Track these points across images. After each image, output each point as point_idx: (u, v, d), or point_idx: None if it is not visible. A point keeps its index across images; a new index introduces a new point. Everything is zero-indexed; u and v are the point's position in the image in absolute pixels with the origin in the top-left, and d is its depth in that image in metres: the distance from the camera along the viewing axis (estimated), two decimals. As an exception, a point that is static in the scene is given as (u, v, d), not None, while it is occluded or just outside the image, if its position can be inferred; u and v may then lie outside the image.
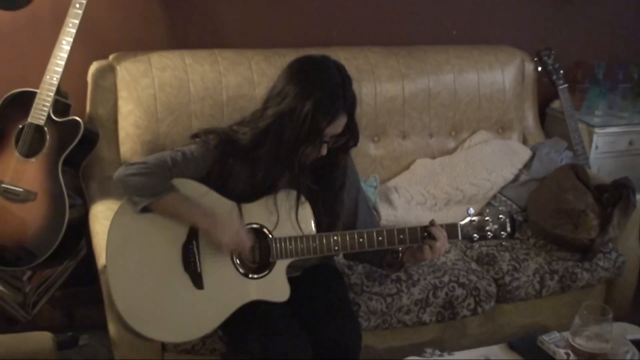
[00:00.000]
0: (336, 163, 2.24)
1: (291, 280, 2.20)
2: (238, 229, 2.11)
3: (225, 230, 2.09)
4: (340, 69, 2.12)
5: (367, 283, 2.53)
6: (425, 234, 2.17)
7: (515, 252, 2.83)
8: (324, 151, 2.13)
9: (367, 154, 3.12)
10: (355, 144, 2.21)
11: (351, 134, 2.17)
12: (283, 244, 2.14)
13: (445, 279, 2.60)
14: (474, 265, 2.73)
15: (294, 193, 2.18)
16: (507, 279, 2.70)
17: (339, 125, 2.10)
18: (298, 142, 2.08)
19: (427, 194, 3.04)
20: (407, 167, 3.19)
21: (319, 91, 2.04)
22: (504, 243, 2.82)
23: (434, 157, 3.21)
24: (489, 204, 3.09)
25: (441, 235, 2.16)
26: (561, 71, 3.33)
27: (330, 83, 2.07)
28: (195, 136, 2.22)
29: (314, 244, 2.15)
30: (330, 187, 2.26)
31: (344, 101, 2.08)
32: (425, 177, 3.09)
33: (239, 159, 2.17)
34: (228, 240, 2.09)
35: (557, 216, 2.84)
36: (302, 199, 2.19)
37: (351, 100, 2.11)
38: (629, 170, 3.57)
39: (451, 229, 2.21)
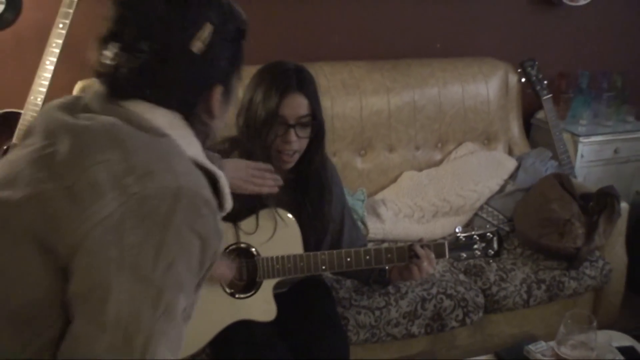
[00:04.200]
0: (311, 158, 2.22)
1: (279, 296, 2.20)
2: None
3: None
4: (294, 64, 2.17)
5: (355, 297, 2.53)
6: (413, 253, 2.17)
7: (503, 262, 2.84)
8: (292, 137, 2.09)
9: (354, 167, 3.14)
10: (323, 133, 2.20)
11: (316, 118, 2.15)
12: (270, 264, 2.13)
13: (434, 290, 2.61)
14: (461, 277, 2.74)
15: (280, 211, 2.17)
16: (495, 289, 2.71)
17: (294, 103, 2.09)
18: (262, 130, 2.09)
19: (414, 206, 3.05)
20: (394, 180, 3.21)
21: (267, 76, 2.10)
22: (491, 261, 2.83)
23: (420, 170, 3.24)
24: (475, 215, 3.10)
25: (426, 255, 2.16)
26: (545, 82, 3.35)
27: (278, 69, 2.12)
28: None
29: (301, 263, 2.14)
30: (314, 195, 2.25)
31: (293, 80, 2.10)
32: (413, 189, 3.11)
33: None
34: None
35: (542, 225, 2.86)
36: (289, 216, 2.18)
37: (301, 79, 2.12)
38: (615, 178, 3.60)
39: (439, 248, 2.21)
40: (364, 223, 2.93)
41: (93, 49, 1.27)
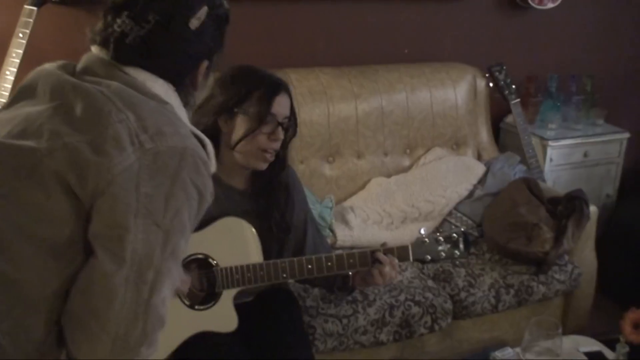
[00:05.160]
0: (283, 159, 2.25)
1: (243, 305, 2.18)
2: None
3: None
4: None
5: (322, 305, 2.51)
6: (375, 258, 2.16)
7: (471, 267, 2.83)
8: (281, 134, 2.14)
9: (322, 174, 3.12)
10: (294, 133, 2.25)
11: (294, 119, 2.22)
12: (229, 274, 2.10)
13: (402, 297, 2.59)
14: (430, 283, 2.73)
15: (238, 220, 2.15)
16: (463, 295, 2.69)
17: (283, 102, 2.15)
18: (252, 129, 2.11)
19: (383, 212, 3.03)
20: (362, 187, 3.19)
21: (254, 78, 2.15)
22: (457, 262, 2.83)
23: (389, 176, 3.22)
24: (444, 221, 3.09)
25: (388, 260, 2.14)
26: (513, 86, 3.34)
27: (261, 72, 2.19)
28: None
29: (261, 272, 2.11)
30: (279, 200, 2.25)
31: (280, 80, 2.19)
32: (381, 195, 3.09)
33: None
34: None
35: (510, 230, 2.85)
36: (247, 225, 2.15)
37: (283, 81, 2.21)
38: (585, 181, 3.62)
39: (402, 252, 2.19)
40: (332, 230, 2.91)
41: (98, 18, 1.43)
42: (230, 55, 3.10)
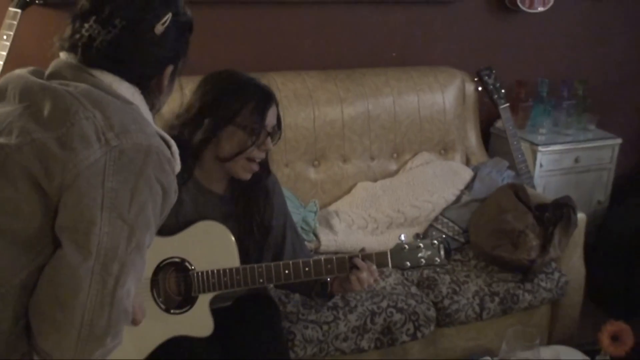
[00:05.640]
0: (262, 166, 2.23)
1: (222, 310, 2.15)
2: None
3: None
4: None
5: (302, 311, 2.48)
6: (352, 264, 2.13)
7: (456, 274, 2.80)
8: (270, 144, 2.15)
9: (307, 178, 3.09)
10: (279, 139, 2.23)
11: (279, 126, 2.22)
12: (205, 278, 2.08)
13: (384, 304, 2.56)
14: (413, 290, 2.69)
15: (215, 224, 2.13)
16: (447, 302, 2.66)
17: (273, 112, 2.16)
18: (245, 144, 2.10)
19: (368, 217, 3.00)
20: (348, 191, 3.16)
21: (248, 87, 2.14)
22: (437, 269, 2.79)
23: (375, 180, 3.19)
24: (430, 226, 3.06)
25: (365, 266, 2.11)
26: (502, 90, 3.30)
27: (252, 81, 2.17)
28: None
29: (238, 277, 2.10)
30: (259, 204, 2.24)
31: (270, 90, 2.18)
32: (367, 200, 3.06)
33: None
34: None
35: (496, 237, 2.82)
36: (225, 228, 2.13)
37: (271, 90, 2.20)
38: (575, 187, 3.59)
39: (381, 258, 2.17)
40: (316, 235, 2.88)
41: (67, 24, 1.48)
42: (216, 57, 3.12)
